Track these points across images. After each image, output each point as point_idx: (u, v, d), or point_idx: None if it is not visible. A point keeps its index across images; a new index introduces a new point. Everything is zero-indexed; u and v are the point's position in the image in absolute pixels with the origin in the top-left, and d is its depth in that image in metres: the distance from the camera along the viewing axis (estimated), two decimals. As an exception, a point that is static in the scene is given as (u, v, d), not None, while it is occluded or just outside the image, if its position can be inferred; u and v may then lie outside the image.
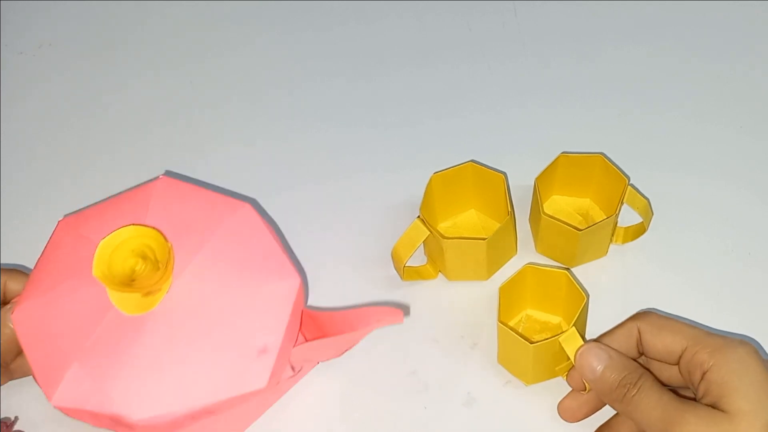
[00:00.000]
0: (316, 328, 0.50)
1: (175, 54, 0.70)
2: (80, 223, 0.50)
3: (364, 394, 0.51)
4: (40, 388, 0.45)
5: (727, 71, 0.66)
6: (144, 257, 0.45)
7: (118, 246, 0.45)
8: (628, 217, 0.56)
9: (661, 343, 0.45)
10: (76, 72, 0.70)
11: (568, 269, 0.51)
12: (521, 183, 0.59)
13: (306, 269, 0.57)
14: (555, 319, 0.53)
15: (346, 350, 0.52)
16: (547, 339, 0.48)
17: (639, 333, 0.46)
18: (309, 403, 0.51)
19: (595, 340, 0.47)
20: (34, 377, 0.47)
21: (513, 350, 0.50)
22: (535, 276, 0.51)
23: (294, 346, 0.48)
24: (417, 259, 0.56)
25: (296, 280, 0.47)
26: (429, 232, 0.52)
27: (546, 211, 0.53)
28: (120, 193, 0.52)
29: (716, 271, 0.55)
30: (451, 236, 0.52)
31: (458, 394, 0.51)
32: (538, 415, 0.50)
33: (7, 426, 0.51)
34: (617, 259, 0.56)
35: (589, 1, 0.71)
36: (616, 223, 0.55)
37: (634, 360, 0.46)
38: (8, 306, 0.49)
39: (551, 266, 0.51)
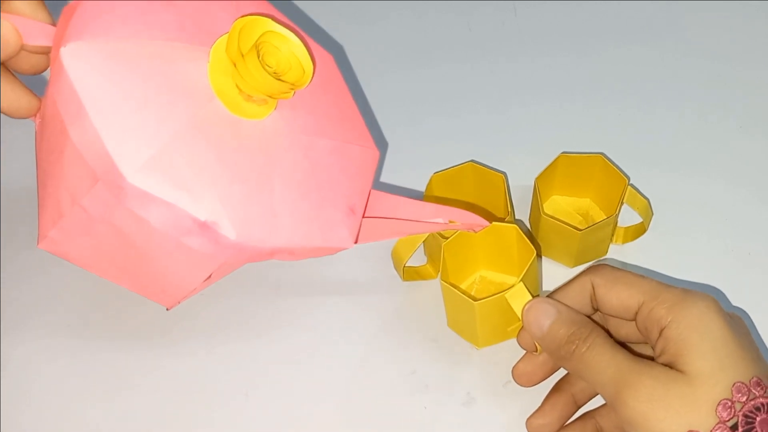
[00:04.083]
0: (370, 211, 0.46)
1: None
2: None
3: (364, 394, 0.51)
4: (104, 160, 0.37)
5: (727, 71, 0.66)
6: (305, 65, 0.39)
7: (265, 34, 0.38)
8: (628, 217, 0.56)
9: (616, 297, 0.41)
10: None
11: (520, 221, 0.48)
12: (521, 183, 0.59)
13: (306, 269, 0.57)
14: (511, 280, 0.51)
15: (402, 236, 0.47)
16: (492, 296, 0.45)
17: (593, 287, 0.43)
18: (309, 403, 0.51)
19: (547, 297, 0.44)
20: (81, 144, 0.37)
21: (460, 311, 0.48)
22: (484, 232, 0.49)
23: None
24: (417, 259, 0.56)
25: (376, 152, 0.43)
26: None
27: (546, 211, 0.53)
28: None
29: (716, 271, 0.55)
30: (451, 236, 0.52)
31: (458, 394, 0.51)
32: (538, 415, 0.50)
33: None
34: (617, 259, 0.56)
35: (589, 1, 0.71)
36: (616, 223, 0.55)
37: (588, 317, 0.43)
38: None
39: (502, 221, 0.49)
